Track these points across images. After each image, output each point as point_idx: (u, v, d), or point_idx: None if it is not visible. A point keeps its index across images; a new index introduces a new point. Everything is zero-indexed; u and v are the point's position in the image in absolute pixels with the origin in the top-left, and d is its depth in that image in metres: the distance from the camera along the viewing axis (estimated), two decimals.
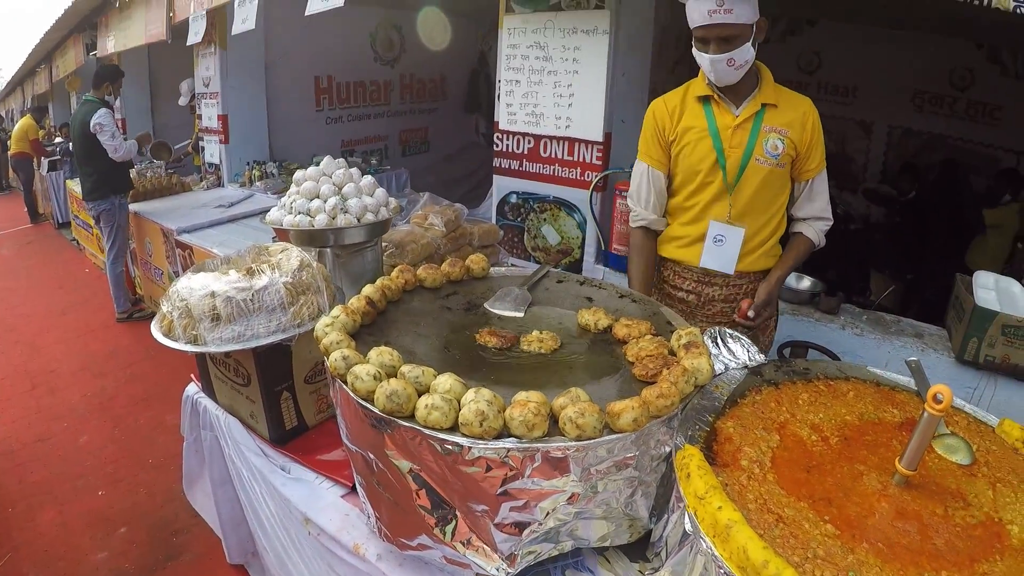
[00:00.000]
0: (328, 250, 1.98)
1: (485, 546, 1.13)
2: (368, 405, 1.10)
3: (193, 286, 1.51)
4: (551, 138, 3.45)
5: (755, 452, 1.13)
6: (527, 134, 3.51)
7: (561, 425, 1.06)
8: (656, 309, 1.65)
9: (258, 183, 5.38)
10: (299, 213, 1.90)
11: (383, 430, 1.11)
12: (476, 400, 1.04)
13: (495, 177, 3.72)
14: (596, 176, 3.36)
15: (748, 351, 1.51)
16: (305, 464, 1.60)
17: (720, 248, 2.00)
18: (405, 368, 1.14)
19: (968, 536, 0.97)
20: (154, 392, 4.07)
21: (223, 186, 5.74)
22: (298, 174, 2.03)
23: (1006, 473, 1.14)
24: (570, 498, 1.10)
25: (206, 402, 1.86)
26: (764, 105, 1.88)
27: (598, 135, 3.30)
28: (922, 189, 5.18)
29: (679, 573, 1.02)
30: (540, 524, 1.11)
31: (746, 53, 1.76)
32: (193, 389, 1.94)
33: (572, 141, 3.39)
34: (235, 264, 1.69)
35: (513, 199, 3.71)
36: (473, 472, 1.06)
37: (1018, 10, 1.81)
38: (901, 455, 1.06)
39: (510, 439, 1.05)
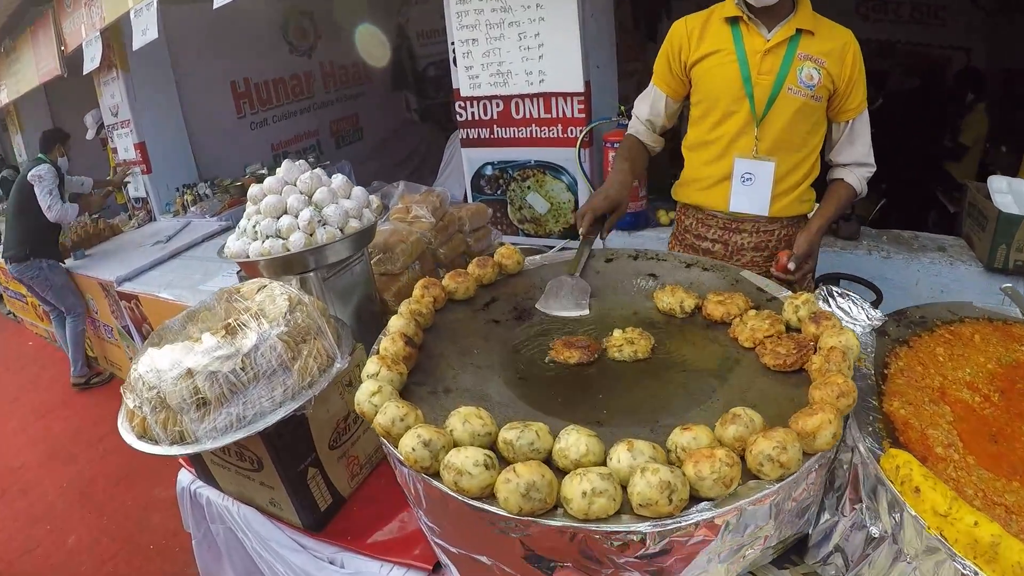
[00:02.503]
0: (312, 275, 1.64)
1: None
2: (491, 508, 0.80)
3: (160, 366, 1.17)
4: (524, 96, 3.16)
5: (941, 434, 1.02)
6: (494, 97, 3.20)
7: (755, 467, 0.84)
8: (736, 275, 1.45)
9: (192, 208, 4.98)
10: (267, 237, 1.56)
11: (514, 534, 0.82)
12: (648, 468, 0.78)
13: (463, 151, 3.42)
14: (582, 131, 3.10)
15: (863, 309, 1.35)
16: (364, 553, 1.29)
17: (750, 187, 1.82)
18: (510, 435, 0.86)
19: None
20: (134, 466, 3.62)
21: (155, 220, 5.30)
22: (253, 189, 1.66)
23: None
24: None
25: (208, 492, 1.52)
26: (799, 31, 1.70)
27: (578, 85, 3.02)
28: (888, 98, 5.10)
29: None
30: None
31: None
32: (187, 478, 1.59)
33: (548, 96, 3.11)
34: (204, 321, 1.35)
35: (489, 171, 3.40)
36: (654, 555, 0.80)
37: None
38: None
39: (703, 504, 0.80)
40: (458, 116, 3.34)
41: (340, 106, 6.50)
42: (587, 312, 1.36)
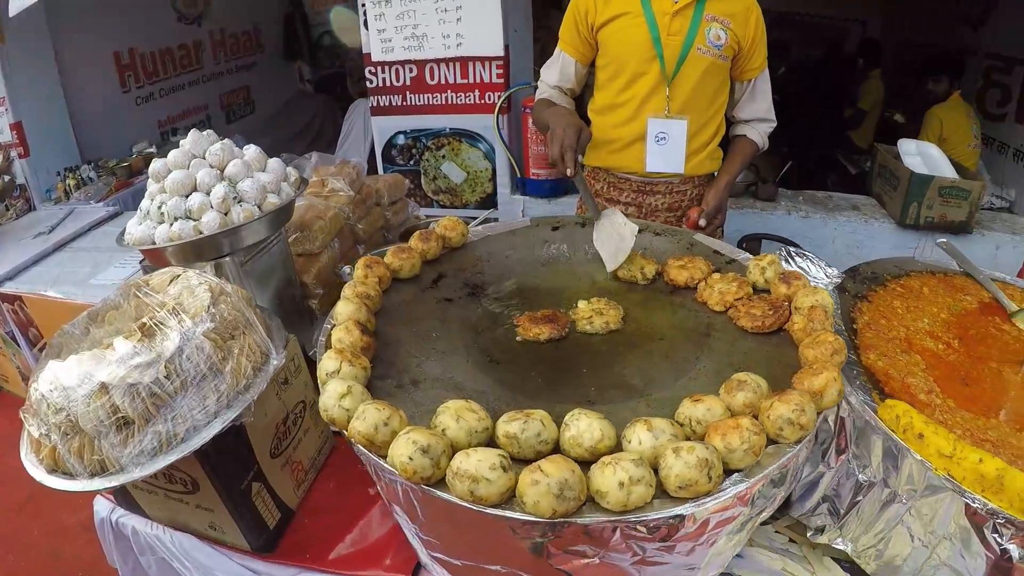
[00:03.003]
0: (227, 260, 1.44)
1: None
2: (517, 515, 0.70)
3: (67, 383, 0.95)
4: (439, 61, 2.99)
5: (919, 382, 1.06)
6: (408, 61, 3.01)
7: (774, 432, 0.80)
8: (690, 239, 1.43)
9: (76, 194, 4.41)
10: (175, 219, 1.34)
11: (542, 538, 0.73)
12: (683, 447, 0.72)
13: (373, 119, 3.20)
14: (501, 96, 2.99)
15: (821, 267, 1.38)
16: (328, 570, 1.14)
17: (664, 147, 1.86)
18: (512, 427, 0.75)
19: None
20: (35, 490, 3.10)
21: (34, 209, 4.65)
22: (156, 164, 1.42)
23: None
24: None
25: (133, 521, 1.30)
26: None
27: (498, 49, 2.91)
28: (791, 68, 5.38)
29: (925, 525, 0.94)
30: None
31: None
32: (105, 506, 1.35)
33: (465, 61, 2.97)
34: (111, 322, 1.13)
35: (401, 140, 3.22)
36: (684, 535, 0.74)
37: None
38: None
39: (734, 476, 0.76)
40: (368, 82, 3.12)
41: (231, 78, 6.04)
42: (636, 227, 1.31)
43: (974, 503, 0.84)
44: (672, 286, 1.28)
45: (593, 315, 1.14)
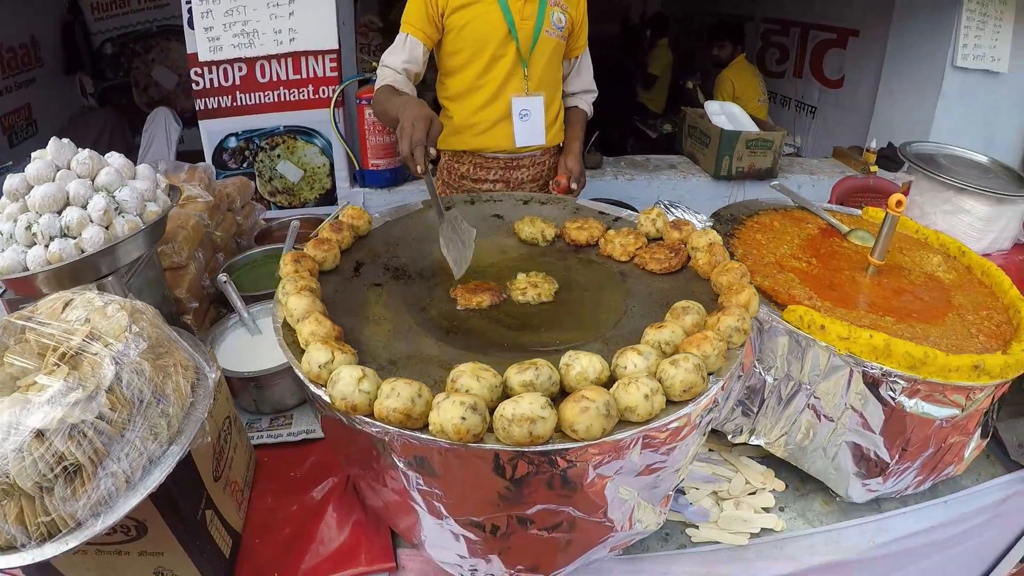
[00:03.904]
0: (110, 280, 1.30)
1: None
2: (571, 445, 0.77)
3: None
4: (271, 58, 2.86)
5: (800, 292, 1.30)
6: (238, 60, 2.83)
7: (725, 338, 0.96)
8: (574, 205, 1.57)
9: None
10: (51, 238, 1.18)
11: (580, 463, 0.80)
12: (680, 358, 0.85)
13: (201, 123, 2.96)
14: (335, 90, 2.96)
15: (693, 215, 1.61)
16: None
17: (528, 122, 2.05)
18: (527, 375, 0.81)
19: (928, 296, 1.39)
20: None
21: None
22: (12, 181, 1.22)
23: (896, 241, 1.61)
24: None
25: None
26: None
27: (332, 42, 2.88)
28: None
29: (828, 402, 1.18)
30: None
31: None
32: None
33: (298, 56, 2.89)
34: (16, 356, 0.98)
35: (233, 143, 3.03)
36: (682, 435, 0.88)
37: None
38: (872, 251, 1.41)
39: (710, 377, 0.90)
40: (194, 84, 2.88)
41: (10, 97, 5.18)
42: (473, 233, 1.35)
43: (872, 369, 1.08)
44: (575, 245, 1.40)
45: (527, 287, 1.22)
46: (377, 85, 1.94)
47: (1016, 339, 1.24)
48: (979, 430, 1.27)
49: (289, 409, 1.48)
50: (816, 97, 5.10)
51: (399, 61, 1.94)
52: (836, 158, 3.88)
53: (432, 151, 1.48)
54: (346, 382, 0.81)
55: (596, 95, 2.25)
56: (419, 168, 1.46)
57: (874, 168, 3.53)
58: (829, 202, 2.55)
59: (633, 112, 5.55)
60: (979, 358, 1.11)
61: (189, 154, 4.27)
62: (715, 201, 3.28)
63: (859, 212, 1.78)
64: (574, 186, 1.95)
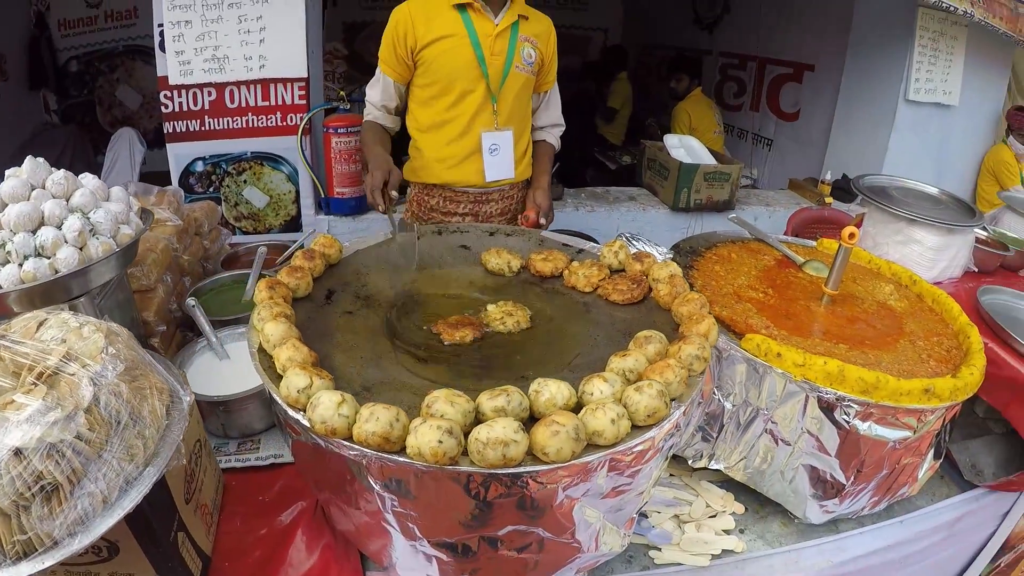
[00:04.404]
0: (83, 300, 1.31)
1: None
2: (541, 467, 0.82)
3: None
4: (240, 84, 2.89)
5: (757, 321, 1.38)
6: (208, 84, 2.85)
7: (687, 366, 1.02)
8: (538, 237, 1.63)
9: None
10: (25, 257, 1.19)
11: (552, 484, 0.86)
12: (644, 385, 0.92)
13: (168, 146, 2.97)
14: (304, 117, 3.01)
15: (653, 247, 1.69)
16: None
17: (497, 157, 2.10)
18: (498, 402, 0.86)
19: (880, 324, 1.48)
20: None
21: None
22: None
23: (850, 271, 1.71)
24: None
25: None
26: (519, 16, 2.02)
27: (301, 70, 2.94)
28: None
29: (785, 426, 1.26)
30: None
31: None
32: None
33: (267, 83, 2.93)
34: None
35: (200, 167, 3.04)
36: (647, 458, 0.93)
37: None
38: (826, 281, 1.49)
39: (673, 402, 0.95)
40: (163, 107, 2.89)
41: None
42: (415, 263, 1.46)
43: (826, 394, 1.16)
44: (540, 276, 1.46)
45: (504, 316, 1.27)
46: (364, 117, 2.10)
47: (965, 363, 1.32)
48: (932, 451, 1.35)
49: (257, 434, 1.49)
50: (773, 130, 5.31)
51: (378, 97, 2.06)
52: (792, 190, 4.06)
53: (393, 194, 1.76)
54: (326, 406, 0.84)
55: (564, 129, 2.31)
56: (380, 207, 1.75)
57: (829, 200, 3.70)
58: (785, 233, 2.67)
59: (593, 144, 5.68)
60: (929, 382, 1.20)
61: (152, 175, 4.24)
62: (674, 232, 3.42)
63: (814, 243, 1.89)
64: (542, 221, 1.99)
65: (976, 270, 2.13)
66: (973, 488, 1.61)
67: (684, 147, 3.50)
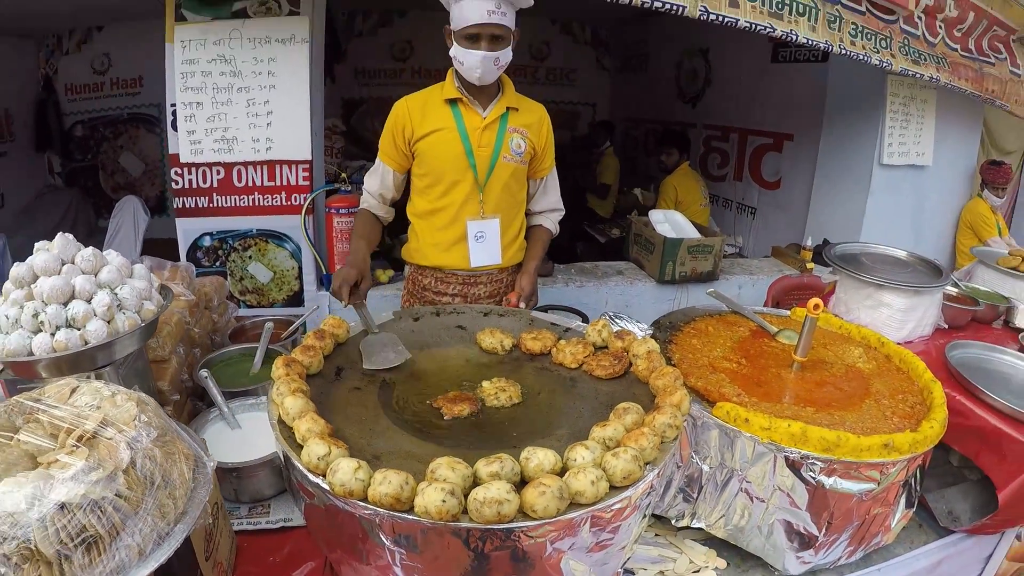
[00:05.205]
0: (108, 370, 1.45)
1: None
2: (529, 523, 0.95)
3: (11, 508, 0.91)
4: (248, 164, 3.11)
5: (730, 390, 1.52)
6: (217, 163, 3.06)
7: (660, 434, 1.16)
8: (529, 317, 1.80)
9: None
10: (57, 328, 1.34)
11: (540, 539, 0.98)
12: (620, 451, 1.05)
13: (177, 220, 3.15)
14: (307, 198, 3.22)
15: (634, 324, 1.86)
16: None
17: (483, 244, 2.23)
18: (493, 467, 1.01)
19: (848, 386, 1.63)
20: None
21: None
22: (18, 270, 1.39)
23: (822, 337, 1.89)
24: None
25: None
26: (508, 108, 2.16)
27: (306, 153, 3.16)
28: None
29: (759, 485, 1.39)
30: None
31: (508, 55, 2.03)
32: None
33: (273, 164, 3.15)
34: (31, 435, 1.11)
35: (207, 242, 3.22)
36: (624, 516, 1.07)
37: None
38: (795, 349, 1.64)
39: (647, 465, 1.10)
40: (174, 183, 3.10)
41: None
42: (409, 355, 1.55)
43: (792, 454, 1.31)
44: (530, 354, 1.61)
45: (498, 391, 1.42)
46: (360, 204, 2.26)
47: (927, 418, 1.46)
48: (902, 501, 1.47)
49: (267, 499, 1.60)
50: (756, 198, 5.58)
51: (376, 187, 2.22)
52: (775, 256, 4.28)
53: (362, 287, 1.90)
54: (344, 471, 0.99)
55: (563, 213, 2.42)
56: (344, 303, 1.83)
57: (810, 265, 3.90)
58: (765, 302, 2.84)
59: (583, 217, 5.90)
60: (888, 437, 1.34)
61: (153, 242, 4.43)
62: (660, 304, 3.61)
63: (787, 313, 2.06)
64: (522, 305, 2.10)
65: (947, 327, 2.27)
66: (950, 534, 1.73)
67: (669, 222, 3.72)
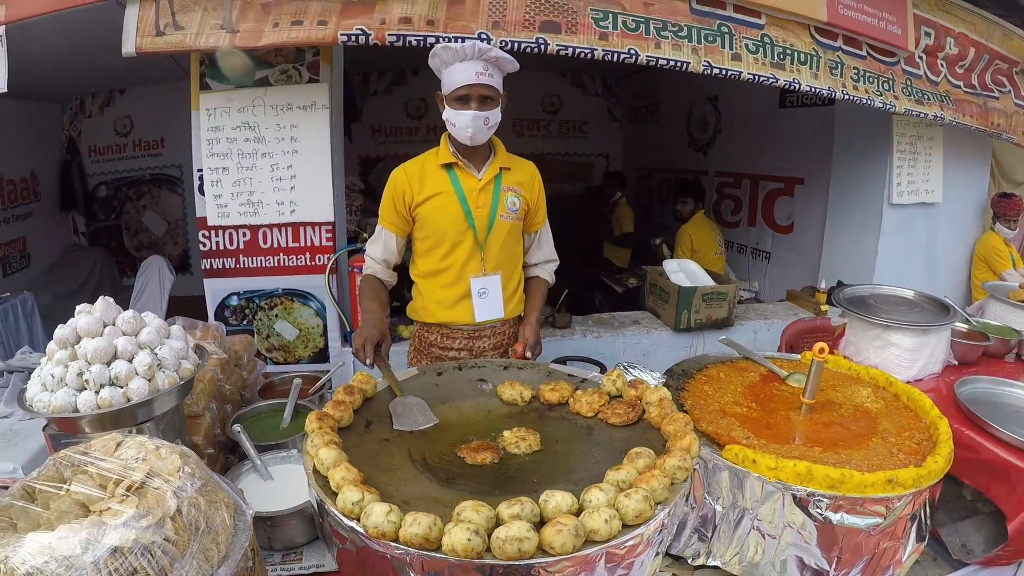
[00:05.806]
0: (149, 425, 1.57)
1: None
2: (549, 559, 1.04)
3: (66, 552, 1.01)
4: (273, 226, 3.28)
5: (739, 433, 1.61)
6: (243, 226, 3.24)
7: (670, 475, 1.25)
8: (547, 369, 1.91)
9: None
10: (101, 386, 1.47)
11: (558, 574, 1.06)
12: (632, 492, 1.15)
13: (206, 281, 3.31)
14: (331, 258, 3.37)
15: (648, 373, 1.97)
16: None
17: (487, 299, 2.35)
18: (514, 509, 1.11)
19: (855, 426, 1.70)
20: None
21: None
22: (62, 331, 1.53)
23: (831, 379, 1.96)
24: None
25: None
26: (501, 168, 2.31)
27: (328, 215, 3.31)
28: (550, 202, 6.49)
29: (769, 522, 1.47)
30: None
31: (498, 115, 2.17)
32: None
33: (297, 226, 3.31)
34: (82, 485, 1.23)
35: (235, 301, 3.36)
36: (637, 552, 1.15)
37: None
38: (803, 391, 1.73)
39: (658, 506, 1.19)
40: (202, 246, 3.27)
41: (7, 228, 5.56)
42: (436, 420, 1.64)
43: (799, 492, 1.39)
44: (548, 405, 1.72)
45: (518, 440, 1.52)
46: (364, 271, 2.37)
47: (932, 453, 1.52)
48: (912, 535, 1.52)
49: (299, 547, 1.69)
50: (770, 243, 5.68)
51: (379, 253, 2.34)
52: (790, 300, 4.35)
53: (383, 348, 1.99)
54: (378, 515, 1.09)
55: (558, 263, 2.54)
56: (368, 361, 1.94)
57: (824, 307, 3.97)
58: (779, 347, 2.92)
59: (599, 268, 6.00)
60: (892, 473, 1.41)
61: (177, 300, 4.62)
62: (676, 352, 3.69)
63: (798, 357, 2.14)
64: (529, 354, 2.22)
65: (958, 363, 2.33)
66: (964, 567, 1.77)
67: (683, 271, 3.82)
